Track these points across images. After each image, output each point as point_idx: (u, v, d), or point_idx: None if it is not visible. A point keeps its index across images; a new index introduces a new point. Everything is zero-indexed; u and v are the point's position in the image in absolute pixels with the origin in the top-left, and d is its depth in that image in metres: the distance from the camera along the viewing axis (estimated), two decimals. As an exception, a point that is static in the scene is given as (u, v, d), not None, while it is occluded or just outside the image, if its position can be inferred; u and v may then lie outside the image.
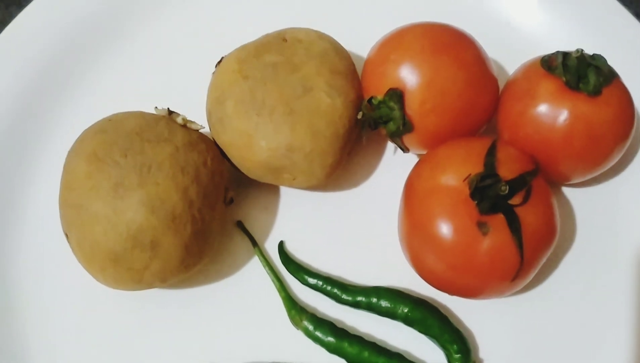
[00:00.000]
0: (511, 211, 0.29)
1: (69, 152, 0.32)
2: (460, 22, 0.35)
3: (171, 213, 0.29)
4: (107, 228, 0.29)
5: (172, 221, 0.29)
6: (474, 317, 0.34)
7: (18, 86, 0.38)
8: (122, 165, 0.30)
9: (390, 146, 0.38)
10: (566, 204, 0.36)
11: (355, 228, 0.36)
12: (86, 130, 0.32)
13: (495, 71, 0.34)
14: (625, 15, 0.38)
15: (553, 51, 0.33)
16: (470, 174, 0.30)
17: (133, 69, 0.40)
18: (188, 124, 0.33)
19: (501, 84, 0.35)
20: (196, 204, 0.30)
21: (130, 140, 0.31)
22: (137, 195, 0.29)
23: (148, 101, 0.35)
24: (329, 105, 0.33)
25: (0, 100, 0.38)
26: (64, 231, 0.32)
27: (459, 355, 0.32)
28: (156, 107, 0.34)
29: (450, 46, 0.33)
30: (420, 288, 0.34)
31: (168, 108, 0.34)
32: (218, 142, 0.34)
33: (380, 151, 0.38)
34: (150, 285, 0.31)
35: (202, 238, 0.31)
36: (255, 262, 0.35)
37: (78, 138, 0.32)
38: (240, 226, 0.36)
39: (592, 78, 0.31)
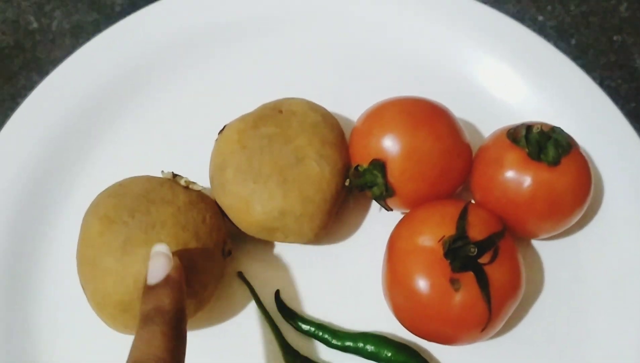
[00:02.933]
0: (480, 269, 0.33)
1: (85, 213, 0.36)
2: (441, 89, 0.39)
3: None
4: (117, 280, 0.33)
5: None
6: (452, 359, 0.38)
7: (40, 154, 0.42)
8: (130, 225, 0.34)
9: (375, 204, 0.42)
10: (534, 255, 0.40)
11: (344, 278, 0.40)
12: (100, 194, 0.36)
13: (467, 138, 0.38)
14: (590, 84, 0.43)
15: (524, 116, 0.37)
16: (444, 236, 0.34)
17: (143, 137, 0.44)
18: (190, 186, 0.37)
19: (475, 145, 0.39)
20: (195, 258, 0.34)
21: (138, 202, 0.35)
22: (142, 251, 0.33)
23: (156, 164, 0.39)
24: (318, 173, 0.37)
25: (24, 167, 0.42)
26: (81, 284, 0.35)
27: (437, 397, 0.36)
28: (162, 171, 0.38)
29: (427, 120, 0.37)
30: (402, 333, 0.37)
31: (172, 172, 0.38)
32: (219, 203, 0.38)
33: (366, 208, 0.42)
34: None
35: (200, 287, 0.35)
36: (253, 309, 0.39)
37: (93, 201, 0.36)
38: (241, 276, 0.40)
39: (551, 150, 0.35)
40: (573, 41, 0.48)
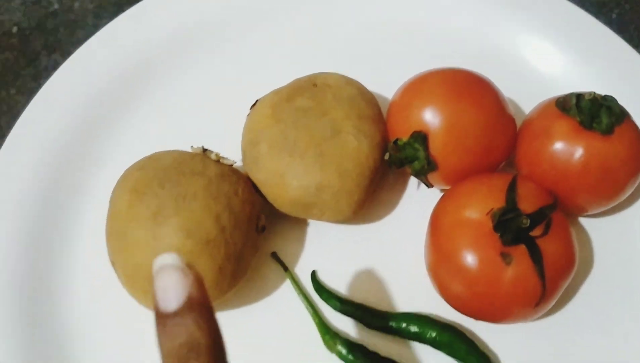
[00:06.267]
0: (532, 242, 0.32)
1: (114, 188, 0.35)
2: (479, 64, 0.38)
3: (205, 238, 0.32)
4: (148, 252, 0.32)
5: (206, 245, 0.32)
6: (499, 341, 0.36)
7: (66, 133, 0.41)
8: (160, 196, 0.32)
9: (413, 181, 0.41)
10: (584, 234, 0.38)
11: (382, 257, 0.38)
12: (129, 168, 0.35)
13: (512, 111, 0.37)
14: (635, 56, 0.41)
15: (566, 91, 0.36)
16: (493, 209, 0.32)
17: (174, 111, 0.43)
18: (221, 160, 0.36)
19: (518, 122, 0.37)
20: (228, 230, 0.33)
21: (168, 174, 0.33)
22: (173, 222, 0.32)
23: (186, 141, 0.38)
24: (356, 147, 0.35)
25: (51, 146, 0.40)
26: (110, 260, 0.34)
27: (485, 379, 0.34)
28: (192, 146, 0.36)
29: (470, 91, 0.35)
30: (446, 313, 0.36)
31: (202, 146, 0.36)
32: (252, 179, 0.36)
33: (404, 186, 0.41)
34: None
35: (234, 261, 0.33)
36: (287, 290, 0.38)
37: (122, 174, 0.35)
38: (275, 256, 0.38)
39: (605, 118, 0.33)
40: (614, 16, 0.47)
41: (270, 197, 0.36)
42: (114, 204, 0.33)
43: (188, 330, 0.21)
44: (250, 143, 0.36)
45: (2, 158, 0.40)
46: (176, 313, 0.21)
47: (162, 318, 0.21)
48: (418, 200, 0.39)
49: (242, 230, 0.34)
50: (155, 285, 0.21)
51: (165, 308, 0.21)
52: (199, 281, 0.22)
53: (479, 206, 0.33)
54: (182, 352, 0.20)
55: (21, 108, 0.42)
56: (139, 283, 0.32)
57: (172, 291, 0.21)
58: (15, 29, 0.48)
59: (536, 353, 0.36)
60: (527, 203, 0.32)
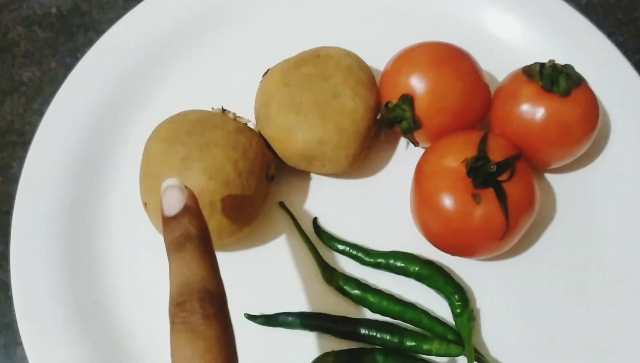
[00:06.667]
0: (499, 185, 0.37)
1: (148, 139, 0.41)
2: (458, 40, 0.43)
3: (225, 180, 0.38)
4: None
5: (225, 186, 0.38)
6: (473, 276, 0.42)
7: (106, 96, 0.47)
8: (188, 144, 0.38)
9: (403, 143, 0.47)
10: (549, 186, 0.44)
11: (375, 206, 0.44)
12: (160, 123, 0.41)
13: (487, 79, 0.43)
14: (592, 30, 0.47)
15: (533, 61, 0.42)
16: (466, 158, 0.38)
17: (196, 80, 0.49)
18: (237, 118, 0.42)
19: (493, 90, 0.43)
20: (244, 175, 0.38)
21: (193, 126, 0.39)
22: (199, 166, 0.38)
23: (207, 104, 0.44)
24: (352, 108, 0.41)
25: (92, 108, 0.47)
26: (142, 201, 0.40)
27: (459, 304, 0.40)
28: (212, 108, 0.42)
29: (450, 60, 0.41)
30: (428, 252, 0.41)
31: (222, 107, 0.42)
32: (264, 135, 0.42)
33: (394, 147, 0.47)
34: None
35: (249, 202, 0.39)
36: (293, 234, 0.44)
37: (155, 128, 0.41)
38: (282, 205, 0.44)
39: (563, 82, 0.39)
40: (583, 1, 0.53)
41: (278, 150, 0.42)
42: (149, 152, 0.39)
43: (184, 226, 0.29)
44: (262, 104, 0.42)
45: (47, 121, 0.46)
46: (176, 217, 0.30)
47: (166, 221, 0.30)
48: (406, 158, 0.45)
49: (255, 176, 0.40)
50: (162, 199, 0.31)
51: (169, 213, 0.30)
52: (192, 196, 0.31)
53: (455, 156, 0.38)
54: (180, 240, 0.29)
55: (61, 79, 0.48)
56: (168, 218, 0.38)
57: (174, 201, 0.30)
58: (54, 10, 0.54)
59: (503, 288, 0.41)
60: (496, 153, 0.38)
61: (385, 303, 0.40)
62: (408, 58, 0.42)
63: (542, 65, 0.40)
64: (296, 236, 0.43)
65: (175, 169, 0.38)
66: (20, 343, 0.39)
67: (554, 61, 0.40)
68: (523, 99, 0.40)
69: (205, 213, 0.37)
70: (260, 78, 0.44)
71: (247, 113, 0.43)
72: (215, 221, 0.38)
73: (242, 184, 0.39)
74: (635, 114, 0.45)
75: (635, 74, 0.45)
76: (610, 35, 0.49)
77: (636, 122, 0.45)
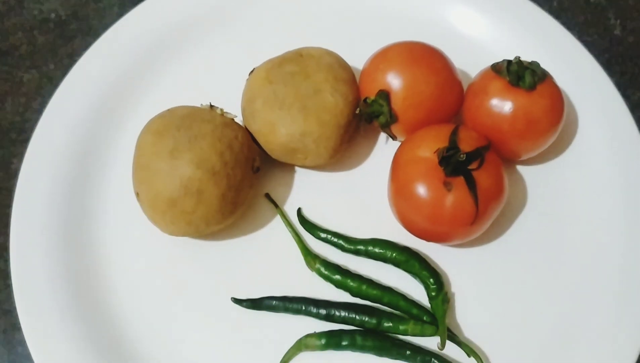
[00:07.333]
0: (469, 173, 0.40)
1: (140, 132, 0.43)
2: (433, 40, 0.46)
3: (212, 169, 0.40)
4: (166, 180, 0.40)
5: (212, 175, 0.40)
6: (447, 261, 0.44)
7: (100, 95, 0.50)
8: (177, 136, 0.41)
9: (382, 137, 0.49)
10: (519, 177, 0.47)
11: (355, 197, 0.47)
12: (152, 118, 0.44)
13: (459, 76, 0.45)
14: (560, 29, 0.50)
15: (502, 58, 0.44)
16: (438, 148, 0.40)
17: (186, 79, 0.52)
18: (225, 114, 0.44)
19: (465, 86, 0.46)
20: (230, 165, 0.41)
21: (183, 120, 0.42)
22: (187, 156, 0.40)
23: (197, 101, 0.46)
24: (332, 103, 0.44)
25: (87, 108, 0.50)
26: (135, 191, 0.42)
27: (434, 287, 0.42)
28: (201, 104, 0.45)
29: (424, 58, 0.44)
30: (404, 239, 0.44)
31: (210, 103, 0.45)
32: (250, 130, 0.45)
33: (374, 141, 0.49)
34: (197, 228, 0.41)
35: (235, 192, 0.41)
36: (278, 224, 0.46)
37: (147, 123, 0.43)
38: (267, 196, 0.47)
39: (528, 78, 0.42)
40: (555, 3, 0.55)
41: (263, 144, 0.45)
42: (140, 144, 0.42)
43: None
44: (248, 100, 0.45)
45: (46, 119, 0.49)
46: None
47: None
48: (385, 152, 0.48)
49: (241, 167, 0.42)
50: None
51: None
52: None
53: (428, 147, 0.41)
54: None
55: (59, 80, 0.51)
56: (159, 206, 0.41)
57: None
58: (53, 15, 0.57)
59: (476, 272, 0.44)
60: (466, 144, 0.41)
61: (364, 287, 0.42)
62: (385, 56, 0.45)
63: (509, 62, 0.43)
64: (281, 225, 0.46)
65: (164, 160, 0.40)
66: (19, 328, 0.42)
67: (519, 57, 0.42)
68: (492, 94, 0.43)
69: (193, 201, 0.40)
70: (247, 76, 0.47)
71: (234, 110, 0.46)
72: (202, 209, 0.40)
73: (228, 174, 0.41)
74: (602, 108, 0.47)
75: (600, 70, 0.48)
76: (579, 36, 0.52)
77: (603, 116, 0.47)
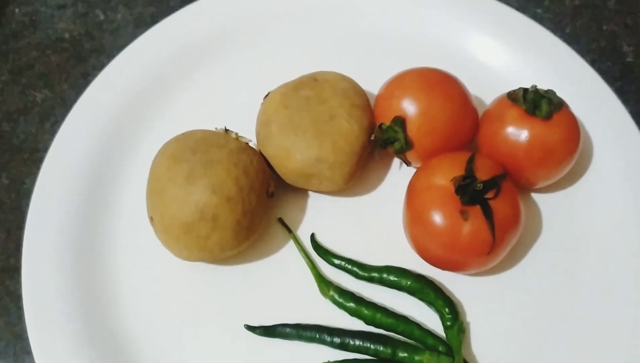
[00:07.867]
0: (485, 202, 0.40)
1: (155, 156, 0.43)
2: (448, 67, 0.46)
3: (227, 195, 0.40)
4: (182, 205, 0.40)
5: (227, 201, 0.40)
6: (462, 290, 0.44)
7: (114, 117, 0.50)
8: (192, 161, 0.41)
9: (396, 163, 0.49)
10: (534, 205, 0.47)
11: (370, 223, 0.46)
12: (167, 141, 0.44)
13: (474, 103, 0.45)
14: (575, 57, 0.50)
15: (518, 87, 0.44)
16: (455, 176, 0.40)
17: (200, 102, 0.52)
18: (239, 138, 0.44)
19: (481, 113, 0.46)
20: (245, 191, 0.41)
21: (198, 145, 0.42)
22: (202, 182, 0.40)
23: (211, 125, 0.46)
24: (347, 129, 0.44)
25: (101, 129, 0.50)
26: (149, 215, 0.42)
27: (450, 317, 0.41)
28: (216, 127, 0.45)
29: (440, 84, 0.44)
30: (419, 267, 0.43)
31: (225, 127, 0.45)
32: (264, 154, 0.45)
33: (388, 167, 0.49)
34: (211, 253, 0.41)
35: (250, 217, 0.41)
36: (291, 249, 0.46)
37: (162, 146, 0.43)
38: (281, 221, 0.47)
39: (545, 106, 0.42)
40: (568, 30, 0.55)
41: (278, 168, 0.45)
42: (155, 169, 0.42)
43: None
44: (263, 124, 0.45)
45: (59, 140, 0.49)
46: None
47: None
48: (399, 178, 0.48)
49: (256, 192, 0.42)
50: None
51: None
52: None
53: (444, 175, 0.41)
54: None
55: (73, 100, 0.51)
56: (174, 232, 0.40)
57: None
58: (67, 35, 0.57)
59: (492, 302, 0.43)
60: (483, 173, 0.41)
61: (378, 315, 0.42)
62: (400, 82, 0.45)
63: (525, 90, 0.43)
64: (294, 251, 0.46)
65: (180, 185, 0.40)
66: (30, 353, 0.41)
67: (536, 86, 0.42)
68: (508, 122, 0.43)
69: (208, 226, 0.40)
70: (261, 100, 0.47)
71: (248, 133, 0.46)
72: (217, 235, 0.40)
73: (243, 199, 0.41)
74: (617, 136, 0.47)
75: (615, 98, 0.48)
76: (592, 63, 0.52)
77: (618, 144, 0.47)
